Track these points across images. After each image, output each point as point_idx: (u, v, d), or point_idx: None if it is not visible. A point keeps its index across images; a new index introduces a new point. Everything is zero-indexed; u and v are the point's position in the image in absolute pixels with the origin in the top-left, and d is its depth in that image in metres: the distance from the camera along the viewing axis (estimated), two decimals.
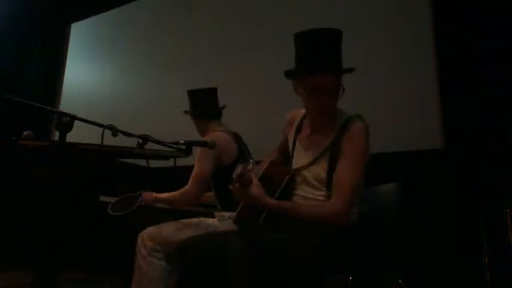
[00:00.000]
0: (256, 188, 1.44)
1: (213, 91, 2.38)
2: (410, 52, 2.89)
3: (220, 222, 2.04)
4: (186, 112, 2.40)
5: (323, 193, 1.53)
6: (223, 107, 2.38)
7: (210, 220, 2.09)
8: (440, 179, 2.59)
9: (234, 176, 1.43)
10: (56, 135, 1.47)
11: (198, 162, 2.11)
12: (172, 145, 1.73)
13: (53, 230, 1.48)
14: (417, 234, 2.34)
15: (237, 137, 2.29)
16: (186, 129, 2.46)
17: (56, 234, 1.47)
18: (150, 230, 2.03)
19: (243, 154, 2.23)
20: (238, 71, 3.59)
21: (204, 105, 2.34)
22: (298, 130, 1.71)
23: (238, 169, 1.42)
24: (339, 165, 1.49)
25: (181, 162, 2.12)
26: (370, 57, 2.96)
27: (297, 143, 1.69)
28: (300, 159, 1.63)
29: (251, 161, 1.44)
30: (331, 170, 1.51)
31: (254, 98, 3.40)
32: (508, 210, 2.10)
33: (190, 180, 2.10)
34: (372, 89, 2.92)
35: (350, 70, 1.52)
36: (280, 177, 1.58)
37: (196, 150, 2.05)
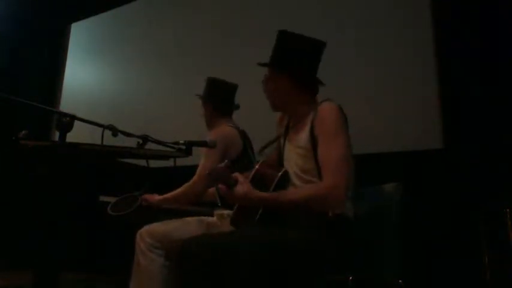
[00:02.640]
0: (242, 186, 1.46)
1: (234, 88, 2.36)
2: (410, 52, 2.89)
3: (220, 220, 2.04)
4: (199, 96, 2.33)
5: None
6: (238, 107, 2.35)
7: (210, 219, 2.08)
8: (440, 179, 2.59)
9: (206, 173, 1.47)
10: (56, 135, 1.47)
11: (205, 157, 2.10)
12: (172, 145, 1.73)
13: (53, 230, 1.48)
14: (417, 234, 2.34)
15: (243, 134, 2.29)
16: (186, 130, 2.46)
17: (56, 234, 1.47)
18: (149, 226, 1.99)
19: (246, 151, 2.23)
20: (238, 71, 3.58)
21: (223, 98, 2.31)
22: (287, 130, 1.74)
23: (210, 169, 1.47)
24: (318, 148, 1.51)
25: (181, 162, 2.12)
26: (370, 57, 2.95)
27: (286, 142, 1.71)
28: (287, 157, 1.66)
29: (226, 160, 1.49)
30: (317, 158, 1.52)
31: (255, 98, 3.40)
32: (508, 210, 2.10)
33: (197, 174, 2.10)
34: (372, 88, 2.91)
35: (269, 65, 1.68)
36: (272, 176, 1.58)
37: (196, 151, 2.05)
